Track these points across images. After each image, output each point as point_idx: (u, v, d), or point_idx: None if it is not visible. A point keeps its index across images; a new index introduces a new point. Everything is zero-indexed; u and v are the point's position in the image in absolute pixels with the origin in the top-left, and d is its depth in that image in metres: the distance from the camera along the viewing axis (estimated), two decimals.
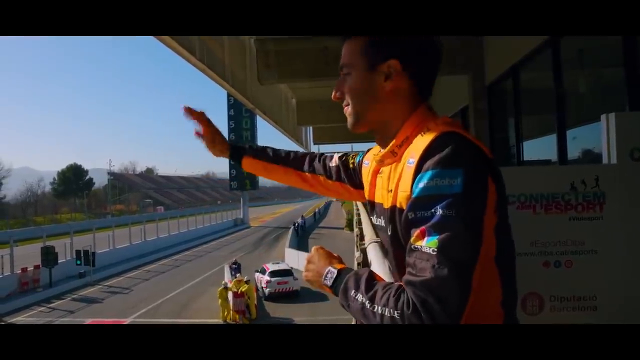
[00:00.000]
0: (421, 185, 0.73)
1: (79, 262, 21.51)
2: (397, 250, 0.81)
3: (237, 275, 16.88)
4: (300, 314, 14.84)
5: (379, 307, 0.71)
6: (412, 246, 0.72)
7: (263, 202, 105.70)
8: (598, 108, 3.45)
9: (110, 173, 76.52)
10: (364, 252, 2.00)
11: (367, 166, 1.03)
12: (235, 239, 38.37)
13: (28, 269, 20.16)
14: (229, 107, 48.01)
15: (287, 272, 17.64)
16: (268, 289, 17.08)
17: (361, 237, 3.04)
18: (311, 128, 14.98)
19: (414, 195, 0.74)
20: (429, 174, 0.72)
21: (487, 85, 5.58)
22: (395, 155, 0.84)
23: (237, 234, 42.94)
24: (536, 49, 4.05)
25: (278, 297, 16.98)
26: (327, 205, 79.70)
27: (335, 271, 0.86)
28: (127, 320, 15.57)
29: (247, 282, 15.46)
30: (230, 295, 14.91)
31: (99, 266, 23.02)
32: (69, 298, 19.41)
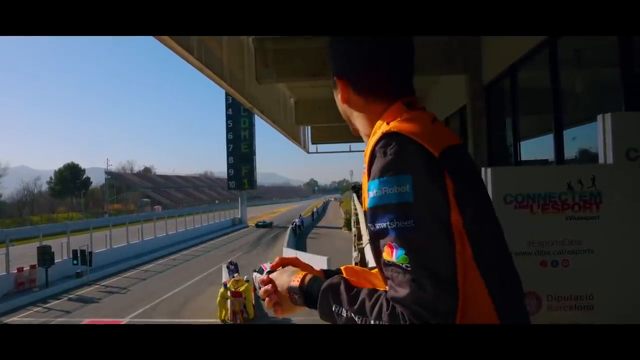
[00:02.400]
0: (371, 194, 0.70)
1: (75, 261, 21.42)
2: (374, 253, 0.78)
3: (235, 275, 16.85)
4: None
5: (372, 321, 0.70)
6: (386, 261, 0.70)
7: (261, 201, 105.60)
8: (594, 108, 3.47)
9: (108, 172, 76.27)
10: (361, 251, 2.00)
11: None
12: (233, 239, 38.31)
13: (24, 269, 20.06)
14: (227, 106, 47.96)
15: None
16: None
17: (359, 236, 3.04)
18: (309, 128, 14.98)
19: (368, 206, 0.71)
20: (376, 182, 0.69)
21: (485, 85, 5.60)
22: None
23: (235, 233, 42.88)
24: (534, 49, 4.07)
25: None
26: (325, 205, 79.73)
27: (297, 287, 0.82)
28: (124, 321, 15.52)
29: (246, 281, 15.44)
30: (228, 294, 14.89)
31: (96, 266, 22.92)
32: (66, 298, 19.32)
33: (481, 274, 0.70)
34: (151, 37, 3.83)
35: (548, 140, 3.90)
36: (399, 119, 0.76)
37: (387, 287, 0.71)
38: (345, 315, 0.74)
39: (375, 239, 0.72)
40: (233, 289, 14.88)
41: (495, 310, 0.70)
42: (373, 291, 0.74)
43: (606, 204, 1.67)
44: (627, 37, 2.69)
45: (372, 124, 0.82)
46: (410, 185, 0.67)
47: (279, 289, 0.87)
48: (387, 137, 0.71)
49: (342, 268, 0.97)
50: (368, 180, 0.72)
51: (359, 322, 0.71)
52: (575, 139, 3.72)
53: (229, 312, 14.77)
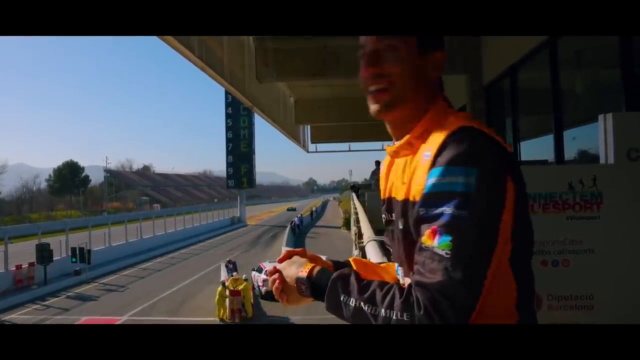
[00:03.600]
0: (434, 180, 0.70)
1: (74, 259, 21.39)
2: (407, 245, 0.78)
3: (234, 274, 16.86)
4: (297, 313, 14.83)
5: (383, 310, 0.69)
6: (423, 245, 0.70)
7: (260, 200, 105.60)
8: (595, 108, 3.47)
9: (107, 170, 76.14)
10: (362, 250, 2.00)
11: (383, 170, 0.99)
12: (231, 238, 38.31)
13: (22, 266, 20.03)
14: (227, 105, 47.90)
15: None
16: (264, 288, 17.08)
17: (359, 235, 3.05)
18: (309, 127, 14.98)
19: (425, 191, 0.71)
20: (442, 169, 0.70)
21: (485, 85, 5.60)
22: (412, 147, 0.82)
23: (234, 232, 42.87)
24: (534, 50, 4.07)
25: (274, 295, 16.91)
26: (324, 205, 79.80)
27: (305, 278, 0.82)
28: (122, 319, 15.52)
29: (245, 280, 15.43)
30: (227, 293, 14.89)
31: (95, 264, 22.91)
32: (64, 296, 19.30)
33: (514, 275, 0.73)
34: (151, 37, 3.84)
35: (548, 140, 3.90)
36: (463, 116, 0.78)
37: (415, 274, 0.71)
38: (353, 305, 0.73)
39: (417, 224, 0.72)
40: (232, 288, 14.88)
41: (517, 310, 0.73)
42: (384, 283, 0.74)
43: (607, 204, 1.67)
44: (627, 38, 2.70)
45: (414, 112, 0.82)
46: (476, 177, 0.68)
47: (287, 279, 0.86)
48: (464, 130, 0.73)
49: (351, 260, 0.97)
50: (431, 168, 0.72)
51: (368, 312, 0.71)
52: (575, 140, 3.72)
53: (227, 310, 14.77)
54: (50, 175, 73.37)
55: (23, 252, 22.38)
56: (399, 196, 0.83)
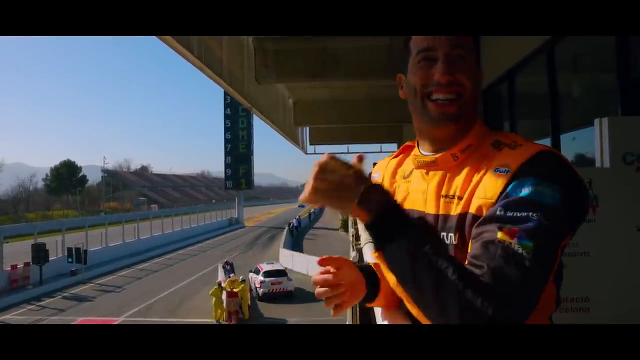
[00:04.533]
0: (524, 189, 0.71)
1: (70, 259, 21.30)
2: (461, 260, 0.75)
3: (231, 275, 16.81)
4: (294, 315, 14.81)
5: (453, 269, 0.65)
6: (497, 240, 0.68)
7: (258, 201, 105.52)
8: (591, 112, 3.49)
9: (104, 170, 75.90)
10: (359, 251, 2.01)
11: (378, 178, 0.97)
12: (229, 239, 38.23)
13: (18, 266, 19.93)
14: (226, 106, 47.90)
15: (281, 273, 17.59)
16: (262, 289, 17.05)
17: (357, 237, 3.05)
18: (308, 128, 14.98)
19: (514, 195, 0.72)
20: (533, 180, 0.72)
21: (482, 89, 5.62)
22: (456, 160, 0.82)
23: (232, 233, 42.79)
24: (531, 54, 4.09)
25: (272, 297, 16.96)
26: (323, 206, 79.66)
27: (387, 197, 0.72)
28: (119, 320, 15.45)
29: (242, 281, 15.40)
30: (224, 294, 14.85)
31: (91, 264, 22.83)
32: (60, 296, 19.21)
33: (556, 289, 0.79)
34: (150, 37, 3.85)
35: (545, 144, 3.92)
36: (508, 135, 0.82)
37: (481, 266, 0.68)
38: (434, 262, 0.66)
39: (487, 222, 0.71)
40: (229, 289, 14.84)
41: (550, 320, 0.81)
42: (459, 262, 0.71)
43: (602, 207, 1.68)
44: (624, 42, 2.72)
45: (466, 125, 0.83)
46: (562, 195, 0.71)
47: (341, 176, 0.73)
48: (550, 154, 0.77)
49: (371, 264, 1.01)
50: (514, 180, 0.73)
51: (448, 275, 0.65)
52: (572, 143, 3.74)
53: (224, 312, 14.72)
54: (47, 175, 73.07)
55: (19, 252, 22.26)
56: (434, 210, 0.82)
